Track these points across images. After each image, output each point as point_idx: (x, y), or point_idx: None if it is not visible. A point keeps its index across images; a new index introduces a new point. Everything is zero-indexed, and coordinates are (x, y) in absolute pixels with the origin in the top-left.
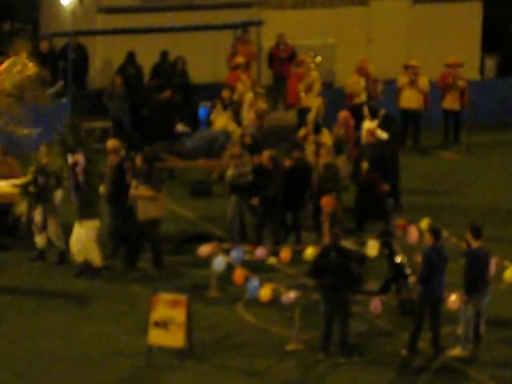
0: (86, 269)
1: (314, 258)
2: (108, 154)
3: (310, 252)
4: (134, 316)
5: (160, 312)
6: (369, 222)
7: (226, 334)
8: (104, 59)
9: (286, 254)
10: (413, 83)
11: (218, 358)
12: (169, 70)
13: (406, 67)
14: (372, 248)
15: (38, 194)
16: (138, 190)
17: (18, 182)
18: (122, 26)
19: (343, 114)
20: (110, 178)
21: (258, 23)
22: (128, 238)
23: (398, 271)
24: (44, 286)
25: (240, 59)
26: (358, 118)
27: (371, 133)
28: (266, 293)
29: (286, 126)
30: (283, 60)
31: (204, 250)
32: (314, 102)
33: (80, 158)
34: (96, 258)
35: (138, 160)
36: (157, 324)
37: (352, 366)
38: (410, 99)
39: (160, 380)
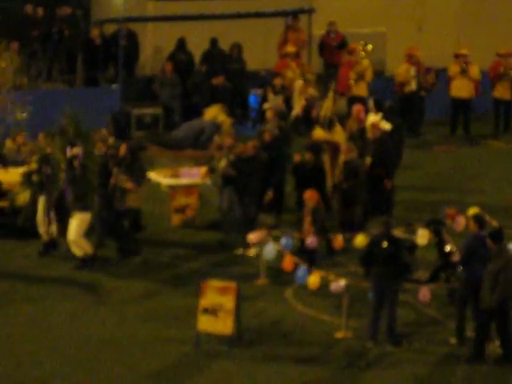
0: (88, 261)
1: (366, 246)
2: (96, 142)
3: (360, 240)
4: (184, 302)
5: (209, 299)
6: (372, 216)
7: (275, 321)
8: (154, 46)
9: (338, 242)
10: (464, 72)
11: (266, 346)
12: (220, 57)
13: (457, 56)
14: (422, 236)
15: (41, 183)
16: (117, 180)
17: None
18: (172, 12)
19: (357, 108)
20: (97, 168)
21: (310, 11)
22: (115, 228)
23: (447, 260)
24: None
25: (290, 48)
26: (409, 107)
27: (375, 126)
28: (314, 280)
29: (336, 114)
30: (334, 48)
31: (254, 236)
32: (327, 101)
33: (79, 151)
34: (82, 250)
35: (122, 149)
36: (206, 311)
37: (400, 354)
38: (461, 88)
39: (208, 367)
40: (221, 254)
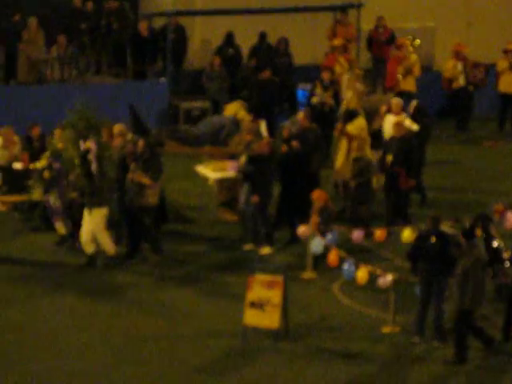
0: (97, 259)
1: (414, 241)
2: (114, 137)
3: (407, 234)
4: (229, 296)
5: (256, 293)
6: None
7: (321, 315)
8: (202, 40)
9: (380, 234)
10: None
11: (313, 340)
12: (268, 51)
13: (506, 51)
14: None
15: (53, 179)
16: (135, 175)
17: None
18: (220, 6)
19: (384, 108)
20: (115, 162)
21: (358, 5)
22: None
23: (494, 255)
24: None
25: (337, 41)
26: (457, 103)
27: (399, 124)
28: (362, 275)
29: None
30: (382, 43)
31: (302, 230)
32: (348, 92)
33: (92, 144)
34: (107, 245)
35: (140, 144)
36: (253, 305)
37: (446, 349)
38: (510, 84)
39: (254, 361)
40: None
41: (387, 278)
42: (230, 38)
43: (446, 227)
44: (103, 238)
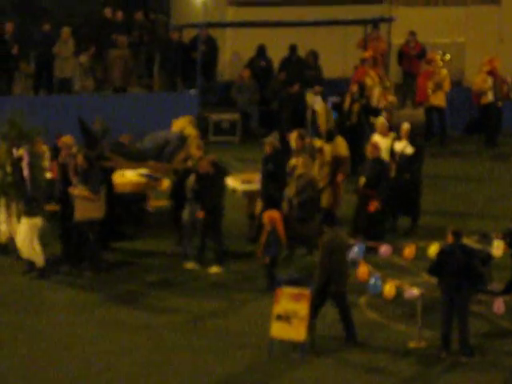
0: (33, 267)
1: (437, 256)
2: (61, 150)
3: (433, 249)
4: (257, 308)
5: (283, 305)
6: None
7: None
8: (233, 51)
9: (409, 250)
10: None
11: (339, 353)
12: (298, 64)
13: None
14: (497, 248)
15: None
16: (75, 189)
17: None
18: (252, 19)
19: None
20: (58, 176)
21: (389, 20)
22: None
23: None
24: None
25: (367, 54)
26: (486, 118)
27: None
28: (389, 289)
29: (414, 124)
30: (413, 57)
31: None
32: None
33: (24, 152)
34: (37, 257)
35: (79, 158)
36: (279, 317)
37: (473, 365)
38: None
39: (281, 373)
40: (300, 261)
41: (413, 292)
42: (261, 50)
43: (471, 242)
44: (33, 248)
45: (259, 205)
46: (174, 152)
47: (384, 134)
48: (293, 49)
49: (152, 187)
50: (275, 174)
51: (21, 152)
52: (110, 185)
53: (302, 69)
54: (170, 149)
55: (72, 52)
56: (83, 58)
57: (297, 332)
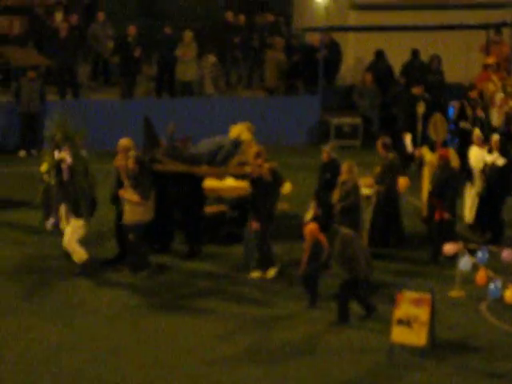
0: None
1: None
2: (118, 152)
3: None
4: (380, 311)
5: (404, 310)
6: None
7: (468, 334)
8: (355, 56)
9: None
10: None
11: (459, 359)
12: (420, 69)
13: None
14: None
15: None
16: (125, 192)
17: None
18: (374, 23)
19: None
20: (113, 179)
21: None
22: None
23: None
24: None
25: (490, 60)
26: None
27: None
28: (510, 294)
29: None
30: None
31: (449, 248)
32: None
33: (66, 154)
34: (77, 256)
35: (130, 161)
36: (400, 322)
37: None
38: None
39: (401, 378)
40: (417, 265)
41: None
42: (380, 55)
43: None
44: (74, 247)
45: (310, 212)
46: (227, 157)
47: (480, 146)
48: (415, 53)
49: None
50: (331, 183)
51: (62, 154)
52: (199, 193)
53: (425, 73)
54: (223, 154)
55: (194, 56)
56: (212, 58)
57: (417, 337)
